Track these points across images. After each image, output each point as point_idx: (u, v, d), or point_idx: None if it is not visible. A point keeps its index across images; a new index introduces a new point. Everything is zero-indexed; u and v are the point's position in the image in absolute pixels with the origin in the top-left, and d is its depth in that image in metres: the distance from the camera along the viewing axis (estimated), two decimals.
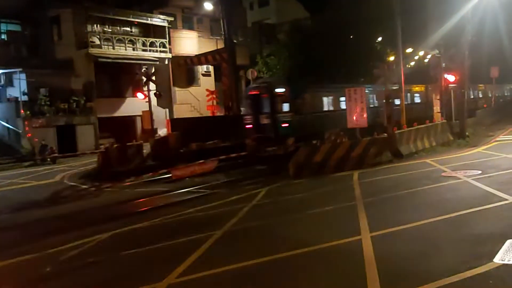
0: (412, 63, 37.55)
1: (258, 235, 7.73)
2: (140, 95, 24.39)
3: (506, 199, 8.04)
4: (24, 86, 26.32)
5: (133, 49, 30.71)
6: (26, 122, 25.07)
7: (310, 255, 6.20)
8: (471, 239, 6.02)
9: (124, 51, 30.06)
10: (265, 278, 5.56)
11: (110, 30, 30.25)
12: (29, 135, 24.75)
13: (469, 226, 6.70)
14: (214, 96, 31.79)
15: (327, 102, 25.17)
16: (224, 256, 6.57)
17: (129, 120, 30.04)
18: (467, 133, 19.83)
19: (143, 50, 31.10)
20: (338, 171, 13.87)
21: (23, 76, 26.36)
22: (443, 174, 11.62)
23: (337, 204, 9.34)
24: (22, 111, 25.23)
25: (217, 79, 35.58)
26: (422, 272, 5.07)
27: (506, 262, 5.06)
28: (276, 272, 5.70)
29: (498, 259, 5.15)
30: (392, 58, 33.49)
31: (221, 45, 33.31)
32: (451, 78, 20.31)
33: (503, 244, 5.59)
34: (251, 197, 11.40)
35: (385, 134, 15.72)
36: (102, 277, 6.40)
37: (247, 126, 23.76)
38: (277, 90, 23.01)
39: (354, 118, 15.90)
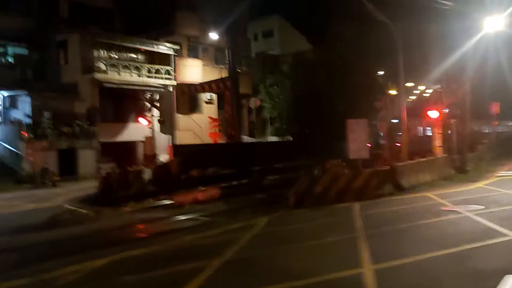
0: (413, 97, 37.86)
1: (258, 265, 7.67)
2: (143, 121, 24.53)
3: (507, 235, 8.01)
4: (28, 109, 26.53)
5: (138, 75, 31.04)
6: (28, 145, 25.14)
7: (311, 287, 6.15)
8: (473, 275, 5.98)
9: (129, 77, 30.39)
10: None
11: (116, 56, 30.64)
12: (31, 157, 24.78)
13: (471, 261, 6.66)
14: (217, 123, 32.01)
15: None
16: (224, 285, 6.51)
17: (131, 145, 30.11)
18: (468, 168, 19.85)
19: (148, 77, 31.43)
20: (339, 202, 13.83)
21: (28, 99, 26.60)
22: (444, 208, 11.60)
23: (338, 235, 9.30)
24: (26, 133, 25.34)
25: (219, 106, 35.87)
26: None
27: None
28: None
29: None
30: (393, 92, 33.82)
31: (224, 74, 33.70)
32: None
33: (506, 281, 5.55)
34: (251, 226, 11.34)
35: (387, 167, 15.74)
36: None
37: None
38: None
39: (356, 149, 15.93)
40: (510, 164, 22.82)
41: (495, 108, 31.11)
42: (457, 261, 6.74)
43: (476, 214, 10.22)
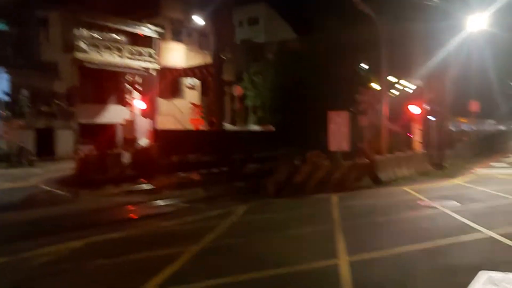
0: (395, 92, 38.16)
1: (234, 253, 7.69)
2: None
3: (481, 231, 8.18)
4: (6, 86, 25.92)
5: (120, 57, 30.57)
6: (4, 123, 24.62)
7: (287, 276, 6.19)
8: (447, 269, 6.09)
9: (111, 58, 29.92)
10: None
11: (98, 36, 30.08)
12: (8, 136, 24.29)
13: (445, 257, 6.78)
14: (199, 110, 31.81)
15: None
16: (200, 272, 6.50)
17: (111, 128, 29.75)
18: (445, 164, 20.18)
19: (130, 59, 30.98)
20: (318, 192, 13.94)
21: (6, 76, 25.96)
22: (420, 203, 11.77)
23: (315, 226, 9.37)
24: (3, 111, 24.79)
25: (202, 93, 35.63)
26: None
27: None
28: None
29: None
30: (375, 85, 34.03)
31: (208, 60, 33.43)
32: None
33: (478, 277, 5.67)
34: (230, 213, 11.35)
35: (367, 160, 15.90)
36: (74, 286, 6.27)
37: None
38: None
39: (337, 141, 16.03)
40: (487, 162, 23.27)
41: (474, 106, 31.56)
42: (431, 256, 6.85)
43: (452, 210, 10.41)
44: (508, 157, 25.79)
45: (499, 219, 9.26)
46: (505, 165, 21.65)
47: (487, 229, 8.31)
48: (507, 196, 12.20)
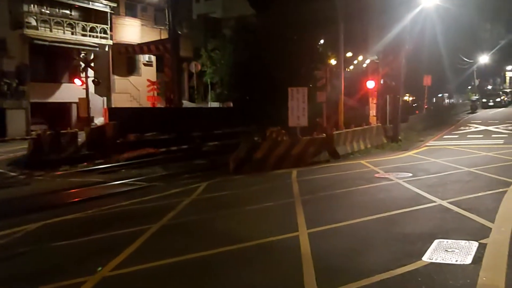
0: (352, 67, 38.71)
1: (196, 230, 7.69)
2: (77, 81, 23.52)
3: (434, 201, 8.50)
4: None
5: (72, 33, 29.50)
6: None
7: (248, 250, 6.26)
8: (402, 238, 6.31)
9: (62, 34, 28.82)
10: (201, 273, 5.54)
11: (48, 12, 28.83)
12: None
13: (400, 226, 7.02)
14: (155, 87, 31.24)
15: None
16: (161, 250, 6.47)
17: (64, 107, 28.87)
18: (399, 137, 20.77)
19: (83, 35, 29.95)
20: (278, 168, 14.08)
21: None
22: (376, 175, 12.09)
23: (276, 200, 9.47)
24: None
25: (159, 69, 34.95)
26: (355, 269, 5.26)
27: (433, 260, 5.35)
28: (213, 267, 5.70)
29: (426, 258, 5.44)
30: (333, 61, 34.36)
31: (164, 36, 32.75)
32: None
33: (431, 244, 5.91)
34: (190, 191, 11.32)
35: (324, 135, 16.13)
36: (31, 269, 6.11)
37: None
38: None
39: (296, 117, 16.16)
40: (439, 134, 24.09)
41: (426, 80, 32.48)
42: (387, 226, 7.08)
43: (406, 181, 10.75)
44: (459, 129, 26.79)
45: (450, 189, 9.64)
46: (456, 136, 22.48)
47: (439, 198, 8.65)
48: (457, 166, 12.70)
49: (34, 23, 27.45)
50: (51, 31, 28.15)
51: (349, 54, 35.16)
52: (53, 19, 28.44)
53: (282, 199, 9.54)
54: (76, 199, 11.70)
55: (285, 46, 31.96)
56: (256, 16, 41.46)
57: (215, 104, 37.07)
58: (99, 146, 19.57)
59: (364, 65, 36.27)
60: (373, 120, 22.36)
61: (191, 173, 15.66)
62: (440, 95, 52.61)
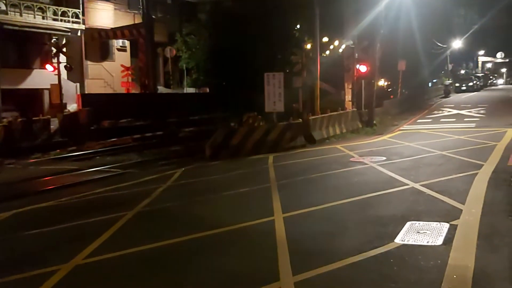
0: (327, 52, 38.74)
1: (172, 216, 7.65)
2: (49, 67, 22.99)
3: (407, 184, 8.64)
4: None
5: (43, 18, 28.64)
6: None
7: (225, 235, 6.26)
8: (375, 221, 6.41)
9: (32, 19, 27.95)
10: (177, 259, 5.52)
11: None
12: None
13: (374, 209, 7.12)
14: (130, 72, 30.75)
15: None
16: (135, 237, 6.43)
17: (36, 93, 28.13)
18: (374, 122, 20.99)
19: (54, 20, 29.09)
20: (255, 153, 14.10)
21: None
22: (351, 159, 12.22)
23: (252, 186, 9.49)
24: None
25: (133, 55, 34.31)
26: (329, 251, 5.33)
27: (405, 242, 5.46)
28: (189, 253, 5.69)
29: (399, 240, 5.55)
30: (309, 46, 34.32)
31: (138, 20, 32.13)
32: (362, 68, 21.32)
33: (403, 226, 6.02)
34: (166, 177, 11.25)
35: (300, 120, 16.18)
36: (2, 258, 5.99)
37: None
38: None
39: (272, 102, 16.16)
40: (413, 118, 24.44)
41: (401, 65, 32.77)
42: (361, 209, 7.18)
43: (380, 165, 10.89)
44: (432, 113, 27.21)
45: (423, 172, 9.82)
46: (429, 120, 22.83)
47: (412, 181, 8.80)
48: (430, 149, 12.92)
49: (3, 7, 26.55)
50: (21, 15, 27.29)
51: (325, 39, 35.19)
52: (23, 3, 27.54)
53: (258, 184, 9.56)
54: (48, 187, 11.49)
55: (261, 31, 31.76)
56: (232, 0, 41.07)
57: (191, 90, 36.68)
58: (73, 133, 19.27)
59: (340, 50, 36.38)
60: (348, 105, 22.52)
61: (167, 160, 15.55)
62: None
